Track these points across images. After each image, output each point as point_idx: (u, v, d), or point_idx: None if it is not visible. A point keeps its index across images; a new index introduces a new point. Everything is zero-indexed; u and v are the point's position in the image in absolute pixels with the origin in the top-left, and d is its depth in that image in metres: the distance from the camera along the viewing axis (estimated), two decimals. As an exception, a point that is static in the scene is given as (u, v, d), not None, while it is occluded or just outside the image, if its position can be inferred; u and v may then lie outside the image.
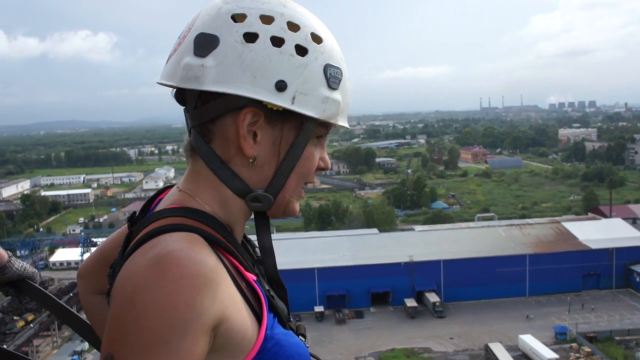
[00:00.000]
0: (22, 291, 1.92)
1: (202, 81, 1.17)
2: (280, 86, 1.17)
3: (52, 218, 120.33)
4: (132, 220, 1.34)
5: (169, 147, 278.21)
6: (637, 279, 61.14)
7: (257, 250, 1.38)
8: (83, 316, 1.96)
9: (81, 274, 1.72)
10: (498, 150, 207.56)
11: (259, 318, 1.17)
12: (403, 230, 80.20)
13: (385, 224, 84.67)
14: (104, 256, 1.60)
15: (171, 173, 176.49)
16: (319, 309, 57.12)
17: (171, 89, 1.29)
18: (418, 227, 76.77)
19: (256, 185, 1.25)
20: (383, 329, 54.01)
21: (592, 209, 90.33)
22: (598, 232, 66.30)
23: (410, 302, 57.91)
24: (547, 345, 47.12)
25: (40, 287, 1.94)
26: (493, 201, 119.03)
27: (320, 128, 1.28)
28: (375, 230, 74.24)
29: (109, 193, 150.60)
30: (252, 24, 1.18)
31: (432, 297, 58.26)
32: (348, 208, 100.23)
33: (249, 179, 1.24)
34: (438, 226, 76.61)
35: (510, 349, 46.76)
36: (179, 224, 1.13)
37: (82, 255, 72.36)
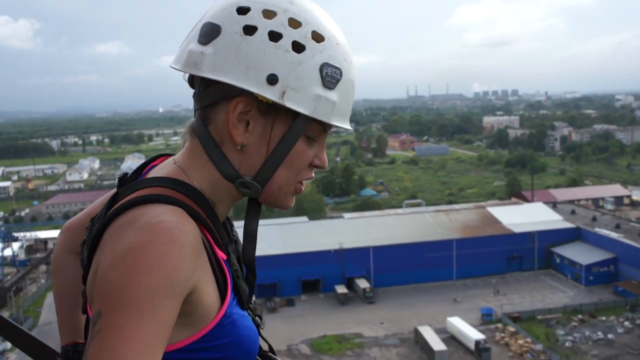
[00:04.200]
0: None
1: (200, 67, 1.23)
2: (272, 80, 1.20)
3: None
4: (122, 180, 1.36)
5: (93, 138, 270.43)
6: (557, 261, 63.45)
7: (235, 229, 1.45)
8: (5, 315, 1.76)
9: (65, 230, 1.69)
10: (425, 137, 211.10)
11: (222, 295, 1.23)
12: (332, 218, 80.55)
13: (314, 212, 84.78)
14: (92, 214, 1.54)
15: (96, 164, 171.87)
16: (249, 298, 56.74)
17: (184, 74, 1.32)
18: (347, 215, 77.44)
19: (245, 172, 1.29)
20: (314, 316, 54.20)
21: (515, 194, 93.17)
22: (521, 216, 68.41)
23: (341, 289, 58.31)
24: (474, 326, 48.33)
25: None
26: (420, 188, 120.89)
27: (316, 126, 1.29)
28: (304, 219, 74.28)
29: (30, 185, 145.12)
30: (253, 17, 1.21)
31: (362, 283, 58.82)
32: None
33: (238, 165, 1.28)
34: (367, 213, 77.45)
35: (438, 331, 47.70)
36: (167, 196, 1.18)
37: (2, 250, 69.52)
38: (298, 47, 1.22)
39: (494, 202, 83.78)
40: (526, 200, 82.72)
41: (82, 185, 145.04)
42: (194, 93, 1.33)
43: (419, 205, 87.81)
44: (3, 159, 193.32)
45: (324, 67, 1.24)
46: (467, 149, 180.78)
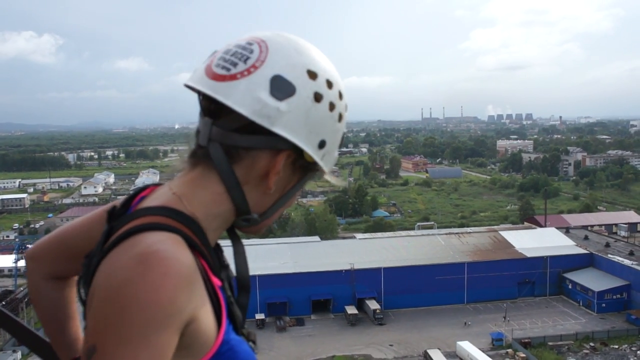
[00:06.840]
0: None
1: (273, 122, 1.26)
2: (321, 144, 1.33)
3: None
4: (112, 213, 1.36)
5: (109, 152, 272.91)
6: (570, 286, 63.07)
7: (224, 256, 1.45)
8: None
9: (34, 256, 1.61)
10: (438, 160, 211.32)
11: (218, 322, 1.25)
12: (344, 238, 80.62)
13: (326, 232, 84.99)
14: (64, 241, 1.57)
15: (111, 179, 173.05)
16: (259, 316, 56.79)
17: (197, 94, 1.35)
18: (359, 235, 77.33)
19: (255, 209, 1.36)
20: (324, 336, 54.13)
21: (528, 218, 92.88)
22: (533, 241, 68.13)
23: (351, 310, 58.24)
24: (484, 351, 48.12)
25: None
26: (433, 210, 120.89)
27: None
28: (316, 238, 74.37)
29: (46, 198, 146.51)
30: (321, 86, 1.31)
31: (373, 305, 58.71)
32: (290, 216, 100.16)
33: (252, 203, 1.35)
34: (379, 234, 77.29)
35: (448, 355, 47.55)
36: (163, 224, 1.19)
37: (15, 262, 70.16)
38: (340, 118, 1.36)
39: (506, 226, 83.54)
40: (539, 224, 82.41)
41: (96, 199, 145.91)
42: (215, 123, 1.31)
43: (431, 227, 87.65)
44: (20, 171, 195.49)
45: (344, 135, 1.42)
46: (480, 172, 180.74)
